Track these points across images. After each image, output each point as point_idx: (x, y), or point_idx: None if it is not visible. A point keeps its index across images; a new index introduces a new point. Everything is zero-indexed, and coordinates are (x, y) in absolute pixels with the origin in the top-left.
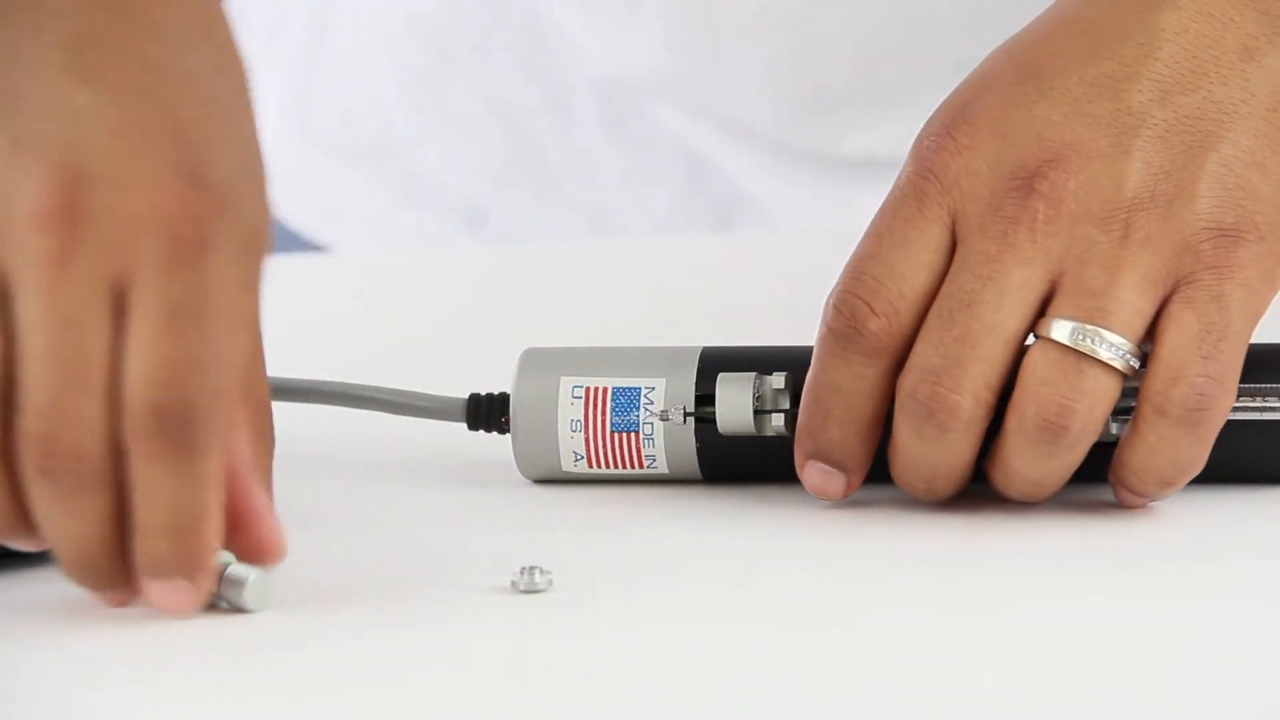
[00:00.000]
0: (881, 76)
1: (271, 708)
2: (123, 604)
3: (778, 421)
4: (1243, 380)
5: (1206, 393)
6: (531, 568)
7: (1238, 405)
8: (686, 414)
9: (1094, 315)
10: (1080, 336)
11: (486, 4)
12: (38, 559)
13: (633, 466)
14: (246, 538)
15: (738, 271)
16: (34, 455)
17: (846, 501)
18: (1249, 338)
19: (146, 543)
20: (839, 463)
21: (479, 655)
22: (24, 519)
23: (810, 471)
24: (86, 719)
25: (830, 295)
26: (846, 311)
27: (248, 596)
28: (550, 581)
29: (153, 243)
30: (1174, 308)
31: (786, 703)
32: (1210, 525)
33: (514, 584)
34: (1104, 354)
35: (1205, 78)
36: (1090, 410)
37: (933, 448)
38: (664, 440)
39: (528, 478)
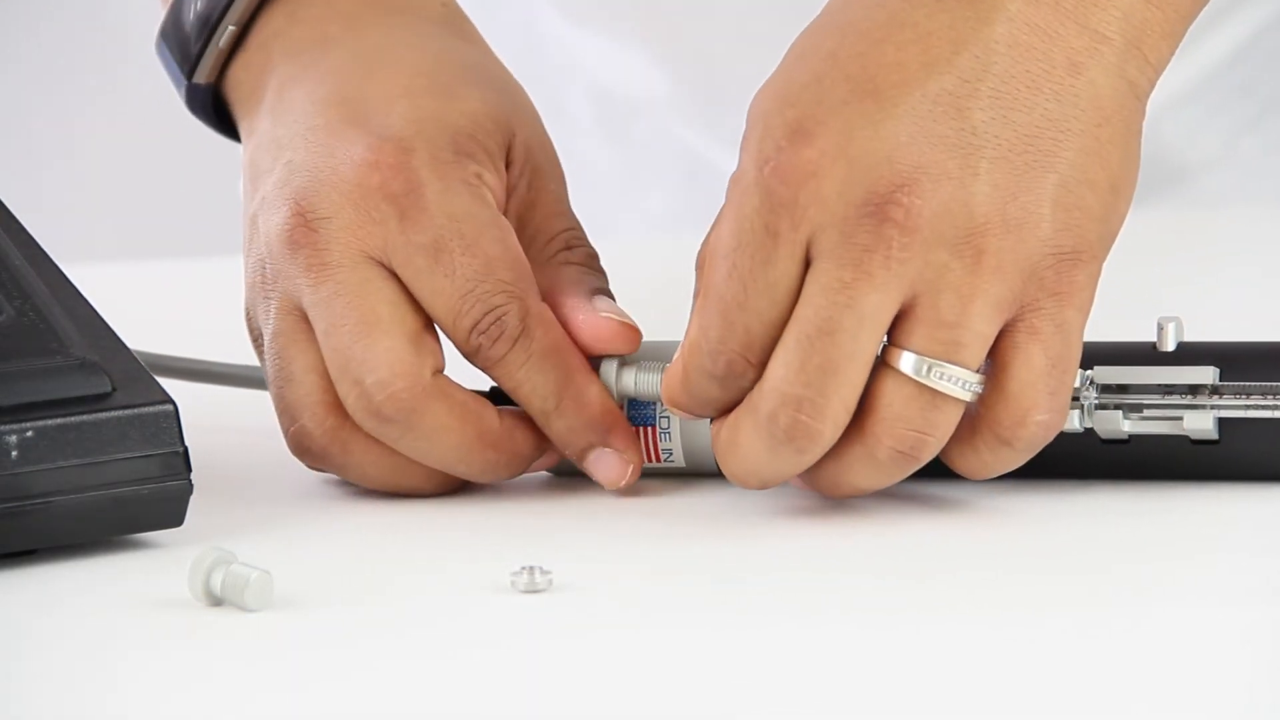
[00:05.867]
0: None
1: (271, 707)
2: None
3: None
4: (1244, 378)
5: (1053, 426)
6: (531, 568)
7: (1239, 404)
8: None
9: (948, 350)
10: (930, 371)
11: (481, 6)
12: (37, 559)
13: (650, 460)
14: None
15: None
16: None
17: (843, 503)
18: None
19: None
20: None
21: (479, 655)
22: None
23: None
24: (87, 718)
25: (702, 334)
26: (723, 365)
27: (248, 596)
28: (550, 581)
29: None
30: (1020, 338)
31: (785, 702)
32: (1211, 525)
33: (514, 584)
34: (954, 390)
35: (1039, 93)
36: (940, 440)
37: (785, 464)
38: (680, 435)
39: (549, 469)
